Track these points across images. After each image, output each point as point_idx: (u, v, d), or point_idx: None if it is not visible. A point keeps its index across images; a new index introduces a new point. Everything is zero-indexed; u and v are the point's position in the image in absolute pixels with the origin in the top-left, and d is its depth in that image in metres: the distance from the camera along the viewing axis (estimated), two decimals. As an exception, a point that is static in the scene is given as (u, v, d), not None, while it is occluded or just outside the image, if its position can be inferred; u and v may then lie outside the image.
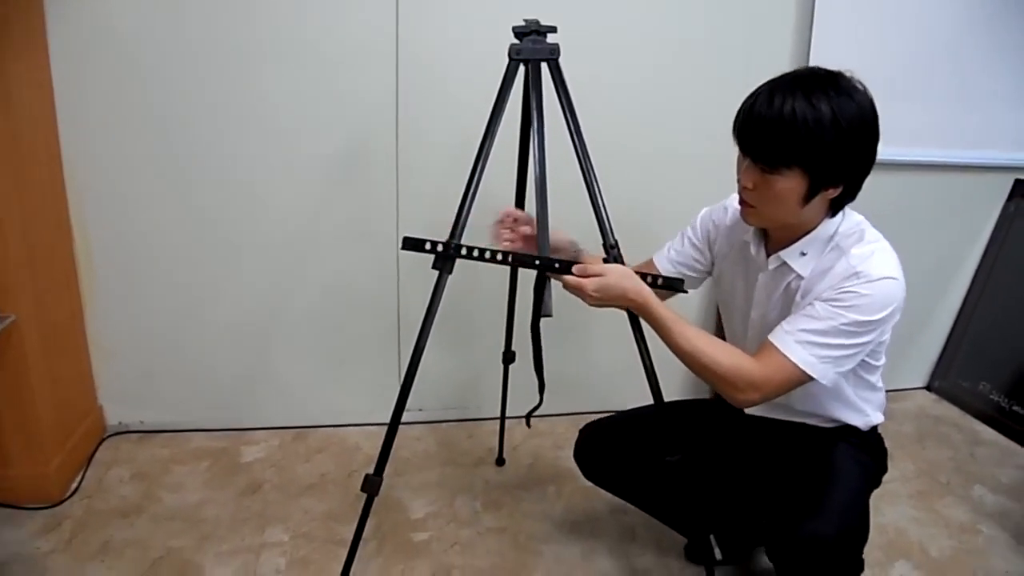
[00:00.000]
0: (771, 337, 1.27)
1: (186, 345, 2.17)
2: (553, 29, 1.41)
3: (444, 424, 2.39)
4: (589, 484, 1.70)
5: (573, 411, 2.43)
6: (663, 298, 1.35)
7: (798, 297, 1.31)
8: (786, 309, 1.34)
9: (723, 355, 1.27)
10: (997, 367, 2.53)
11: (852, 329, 1.22)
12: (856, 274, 1.22)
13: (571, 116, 1.42)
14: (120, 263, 2.06)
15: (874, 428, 1.47)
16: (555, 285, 1.36)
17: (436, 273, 1.35)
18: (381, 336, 2.27)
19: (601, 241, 1.41)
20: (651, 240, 1.63)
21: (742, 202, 1.29)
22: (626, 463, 1.60)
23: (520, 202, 1.69)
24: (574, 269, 1.31)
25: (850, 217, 1.31)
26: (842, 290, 1.22)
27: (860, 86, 1.19)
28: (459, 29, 1.99)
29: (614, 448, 1.61)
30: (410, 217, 2.13)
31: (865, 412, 1.44)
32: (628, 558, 1.80)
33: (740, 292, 1.47)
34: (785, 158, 1.17)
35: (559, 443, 2.29)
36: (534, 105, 1.40)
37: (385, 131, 2.05)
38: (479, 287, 2.02)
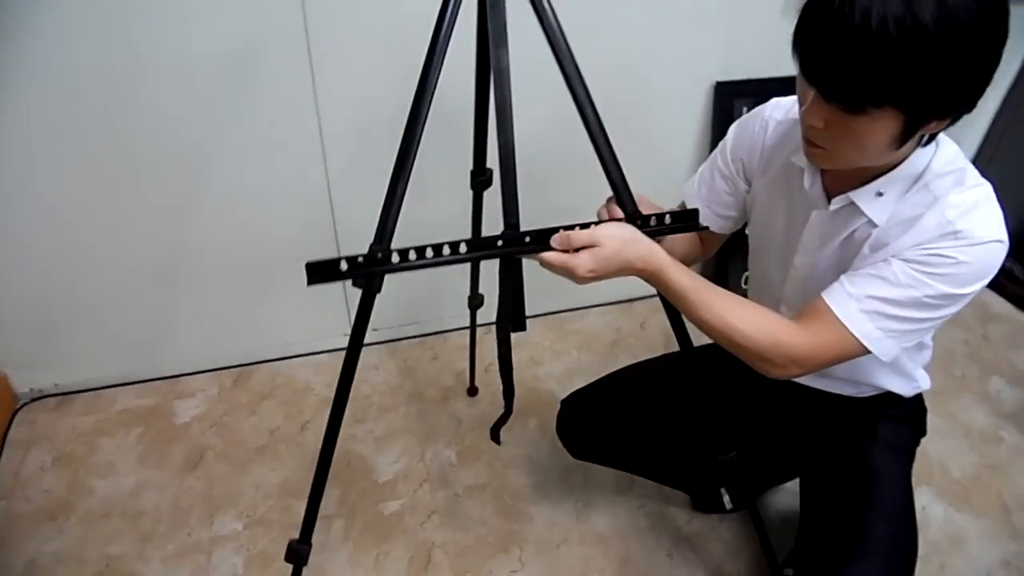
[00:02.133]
0: (827, 298, 0.97)
1: (86, 292, 1.80)
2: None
3: (404, 343, 2.12)
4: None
5: (549, 311, 2.17)
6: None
7: (866, 249, 0.99)
8: (844, 261, 1.03)
9: (759, 330, 0.98)
10: (1010, 233, 2.25)
11: (936, 302, 0.93)
12: (955, 233, 0.90)
13: (563, 48, 0.96)
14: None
15: (919, 394, 1.23)
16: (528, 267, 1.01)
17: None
18: (316, 249, 1.90)
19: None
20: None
21: (807, 140, 0.92)
22: (624, 434, 1.36)
23: (480, 169, 1.29)
24: (553, 241, 0.94)
25: (945, 147, 0.95)
26: (933, 251, 0.91)
27: None
28: None
29: (608, 420, 1.36)
30: (334, 117, 1.71)
31: (913, 377, 1.18)
32: (628, 511, 1.62)
33: (779, 228, 1.14)
34: (872, 95, 0.79)
35: (537, 357, 2.04)
36: (494, 42, 0.94)
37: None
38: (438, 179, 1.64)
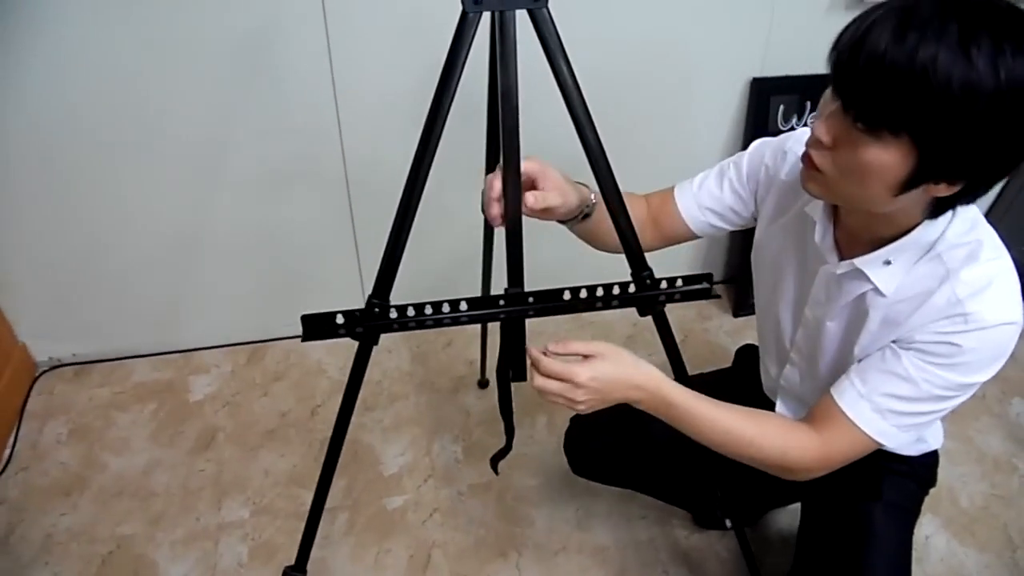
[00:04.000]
0: (838, 399, 0.95)
1: (106, 263, 1.81)
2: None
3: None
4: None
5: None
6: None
7: (873, 324, 0.95)
8: (852, 325, 0.99)
9: (769, 442, 0.96)
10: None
11: (950, 392, 0.89)
12: (965, 316, 0.85)
13: (573, 92, 0.86)
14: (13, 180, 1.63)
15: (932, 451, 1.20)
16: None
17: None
18: (333, 228, 1.89)
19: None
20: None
21: (807, 158, 0.84)
22: (630, 461, 1.35)
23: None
24: (551, 347, 0.93)
25: (963, 214, 0.88)
26: (943, 338, 0.86)
27: None
28: None
29: (617, 448, 1.35)
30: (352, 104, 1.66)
31: (924, 439, 1.16)
32: (629, 523, 1.63)
33: (790, 277, 1.09)
34: (896, 119, 0.72)
35: (549, 348, 2.03)
36: (503, 80, 0.87)
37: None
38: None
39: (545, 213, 0.97)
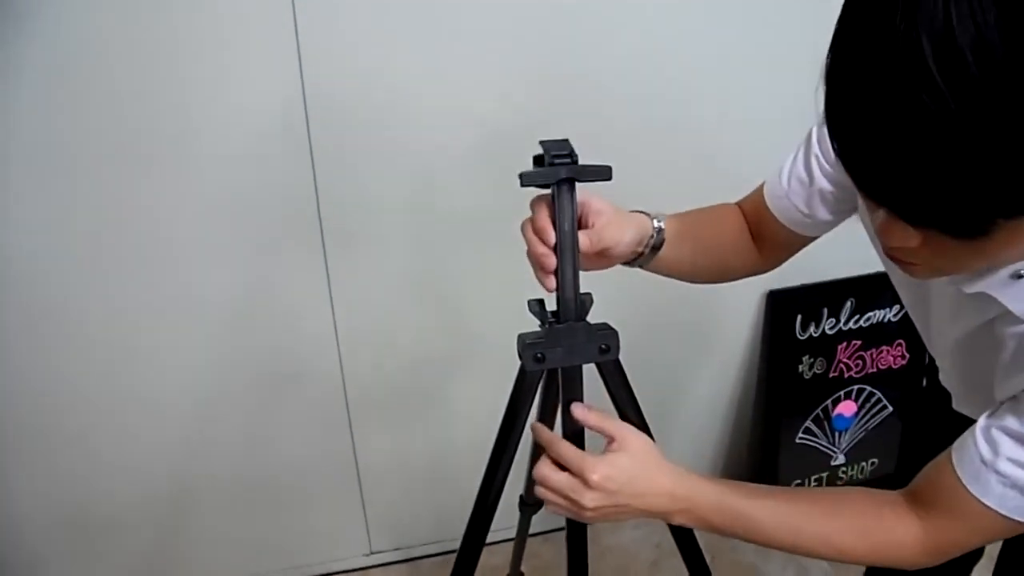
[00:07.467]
0: (959, 467, 0.68)
1: (87, 518, 1.67)
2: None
3: (425, 561, 1.95)
4: None
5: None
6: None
7: (1007, 354, 0.69)
8: (989, 351, 0.72)
9: (851, 540, 0.74)
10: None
11: None
12: None
13: None
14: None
15: None
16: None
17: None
18: (333, 464, 1.78)
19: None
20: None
21: (895, 260, 0.62)
22: None
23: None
24: (574, 412, 0.80)
25: None
26: None
27: None
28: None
29: None
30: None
31: None
32: None
33: (906, 281, 0.86)
34: (975, 223, 0.48)
35: None
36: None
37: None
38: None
39: (602, 257, 0.82)
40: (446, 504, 1.88)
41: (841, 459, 2.07)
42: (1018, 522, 0.67)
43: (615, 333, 0.80)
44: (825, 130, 0.60)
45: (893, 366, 2.00)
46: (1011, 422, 0.66)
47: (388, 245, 1.54)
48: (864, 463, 2.10)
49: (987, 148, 0.43)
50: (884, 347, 1.97)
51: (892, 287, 0.91)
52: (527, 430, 0.86)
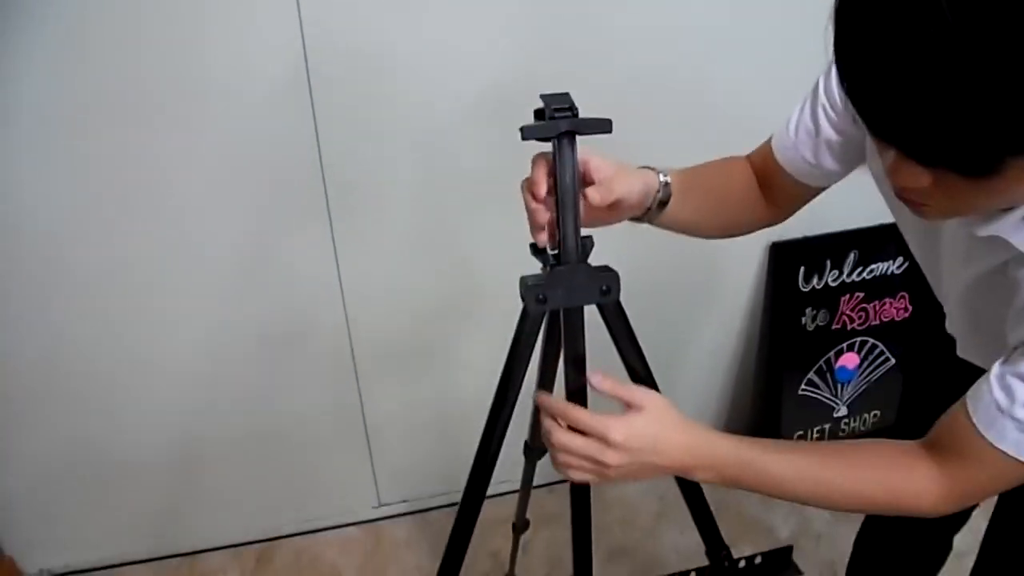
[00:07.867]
0: (974, 415, 0.69)
1: (98, 467, 1.71)
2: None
3: (435, 513, 1.99)
4: None
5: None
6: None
7: (1020, 297, 0.70)
8: (1002, 294, 0.73)
9: (871, 490, 0.75)
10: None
11: None
12: None
13: None
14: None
15: None
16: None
17: None
18: (341, 418, 1.81)
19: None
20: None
21: (907, 201, 0.64)
22: None
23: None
24: (591, 379, 0.77)
25: None
26: None
27: None
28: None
29: None
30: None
31: None
32: None
33: (915, 225, 0.87)
34: (985, 160, 0.50)
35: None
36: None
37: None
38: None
39: (612, 211, 0.82)
40: (454, 455, 1.91)
41: (843, 411, 2.09)
42: None
43: (616, 274, 0.81)
44: (831, 81, 0.61)
45: (896, 318, 2.01)
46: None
47: (392, 199, 1.55)
48: (866, 415, 2.12)
49: (994, 79, 0.44)
50: (887, 299, 1.98)
51: (896, 239, 0.91)
52: (529, 375, 0.87)
